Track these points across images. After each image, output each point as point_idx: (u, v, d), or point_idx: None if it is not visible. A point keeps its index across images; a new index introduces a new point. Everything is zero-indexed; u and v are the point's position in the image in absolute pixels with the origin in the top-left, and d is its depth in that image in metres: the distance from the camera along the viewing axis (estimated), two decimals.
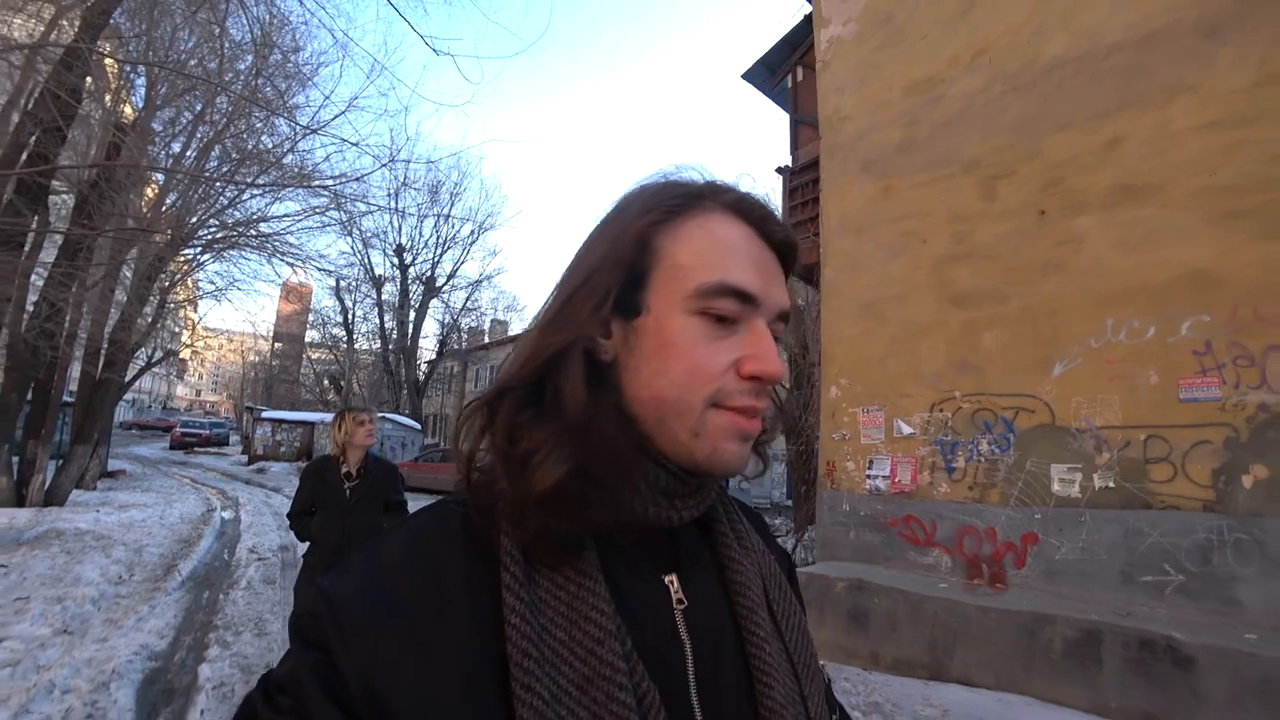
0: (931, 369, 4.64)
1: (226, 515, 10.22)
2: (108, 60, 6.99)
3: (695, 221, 0.48)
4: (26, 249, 7.08)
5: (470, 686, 0.41)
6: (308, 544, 3.07)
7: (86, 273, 7.85)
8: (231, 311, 39.61)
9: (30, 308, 7.79)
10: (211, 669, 3.58)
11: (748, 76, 8.35)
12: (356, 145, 5.61)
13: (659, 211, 0.48)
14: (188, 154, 9.41)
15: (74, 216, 7.69)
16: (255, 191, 9.46)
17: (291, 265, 10.73)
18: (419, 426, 18.99)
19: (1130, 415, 3.69)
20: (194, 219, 9.62)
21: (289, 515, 3.15)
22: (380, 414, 19.52)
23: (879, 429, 4.90)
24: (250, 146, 9.04)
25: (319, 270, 11.44)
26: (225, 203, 9.75)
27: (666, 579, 0.49)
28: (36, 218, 7.07)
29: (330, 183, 8.47)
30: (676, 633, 0.47)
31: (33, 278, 7.47)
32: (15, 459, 8.69)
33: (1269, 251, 3.35)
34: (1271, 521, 3.22)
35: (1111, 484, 3.69)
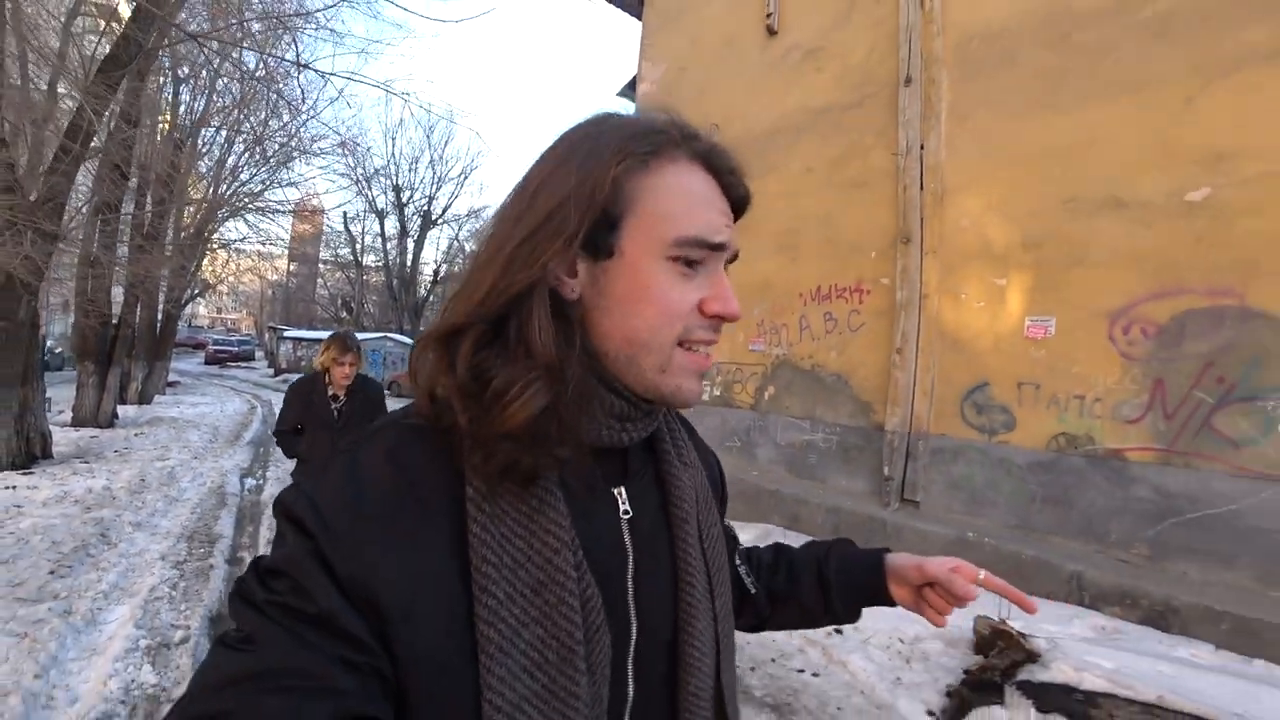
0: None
1: (263, 411, 14.10)
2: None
3: (670, 170, 0.51)
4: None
5: (440, 583, 0.46)
6: (295, 460, 3.12)
7: (160, 242, 11.26)
8: (250, 234, 42.41)
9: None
10: (268, 491, 7.26)
11: None
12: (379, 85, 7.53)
13: (635, 157, 0.50)
14: (218, 137, 12.60)
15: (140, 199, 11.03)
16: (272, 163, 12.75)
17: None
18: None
19: (729, 355, 7.05)
20: (228, 191, 12.89)
21: (276, 433, 3.17)
22: (383, 333, 23.32)
23: None
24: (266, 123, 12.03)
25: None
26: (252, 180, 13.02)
27: (615, 491, 0.55)
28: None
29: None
30: (621, 542, 0.54)
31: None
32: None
33: (785, 267, 6.58)
34: (773, 417, 6.64)
35: (717, 393, 7.13)
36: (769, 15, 6.24)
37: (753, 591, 0.76)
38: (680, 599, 0.56)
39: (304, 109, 11.14)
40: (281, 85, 9.35)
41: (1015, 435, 4.38)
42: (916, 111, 4.91)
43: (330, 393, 3.07)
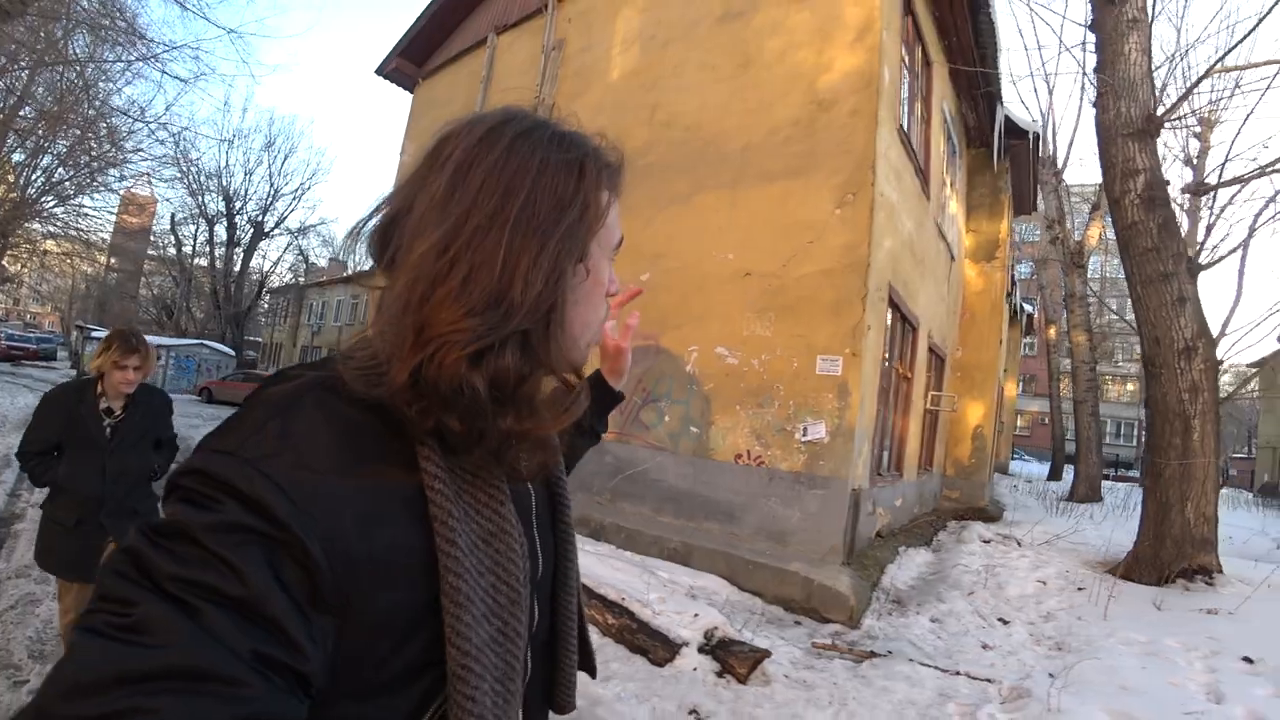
0: None
1: None
2: None
3: (611, 186, 0.59)
4: None
5: (404, 541, 0.48)
6: (47, 491, 2.39)
7: None
8: (59, 230, 39.25)
9: None
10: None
11: None
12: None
13: (613, 188, 0.60)
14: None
15: None
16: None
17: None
18: (233, 353, 23.23)
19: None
20: (35, 193, 13.49)
21: (20, 455, 2.36)
22: (201, 340, 23.51)
23: None
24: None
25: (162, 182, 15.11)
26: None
27: None
28: None
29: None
30: (527, 487, 0.63)
31: None
32: None
33: None
34: None
35: None
36: None
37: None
38: (559, 533, 0.68)
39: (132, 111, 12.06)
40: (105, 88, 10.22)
41: None
42: None
43: (103, 404, 2.36)
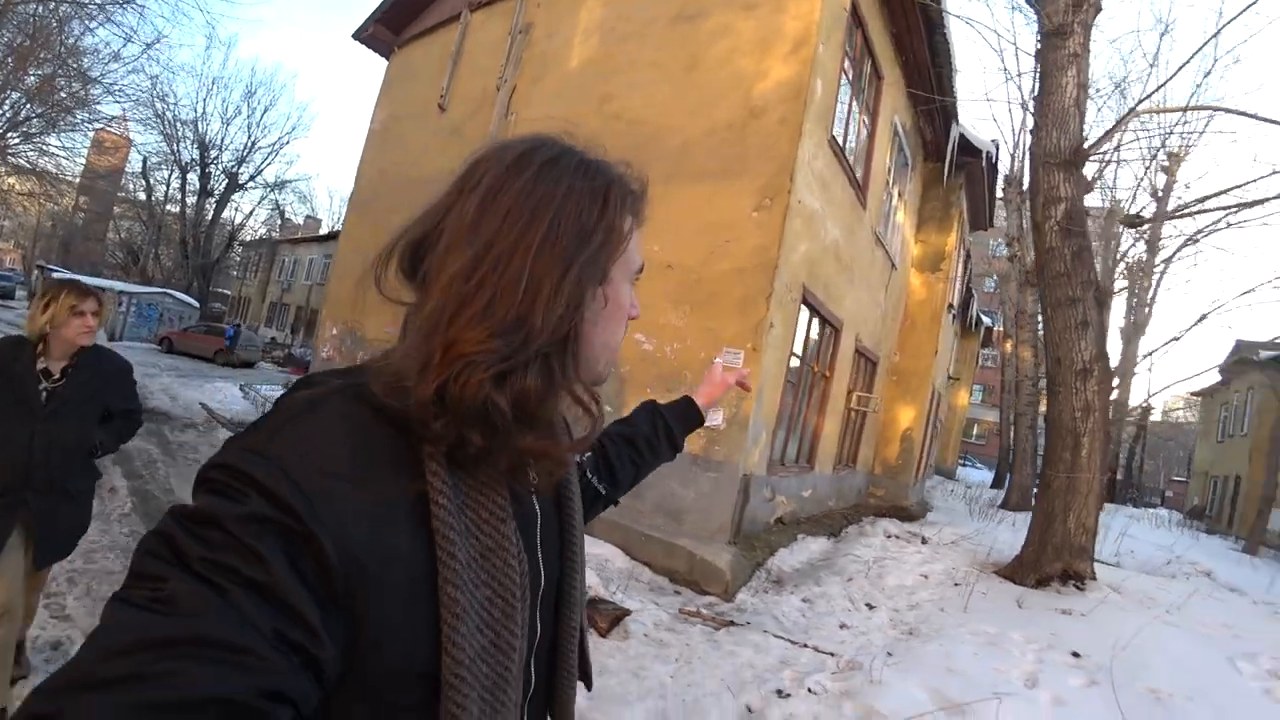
0: None
1: None
2: None
3: (634, 213, 0.62)
4: None
5: (406, 549, 0.49)
6: None
7: None
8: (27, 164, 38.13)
9: None
10: None
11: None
12: None
13: (637, 215, 0.62)
14: None
15: None
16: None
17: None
18: (197, 304, 23.00)
19: None
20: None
21: None
22: (164, 289, 23.20)
23: None
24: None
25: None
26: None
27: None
28: None
29: None
30: (533, 505, 0.63)
31: None
32: None
33: None
34: None
35: None
36: (442, 96, 9.08)
37: (604, 493, 0.94)
38: (566, 549, 0.68)
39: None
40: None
41: None
42: None
43: (42, 365, 2.11)
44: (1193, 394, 29.08)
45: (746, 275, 5.09)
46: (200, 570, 0.41)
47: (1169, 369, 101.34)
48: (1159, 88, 6.14)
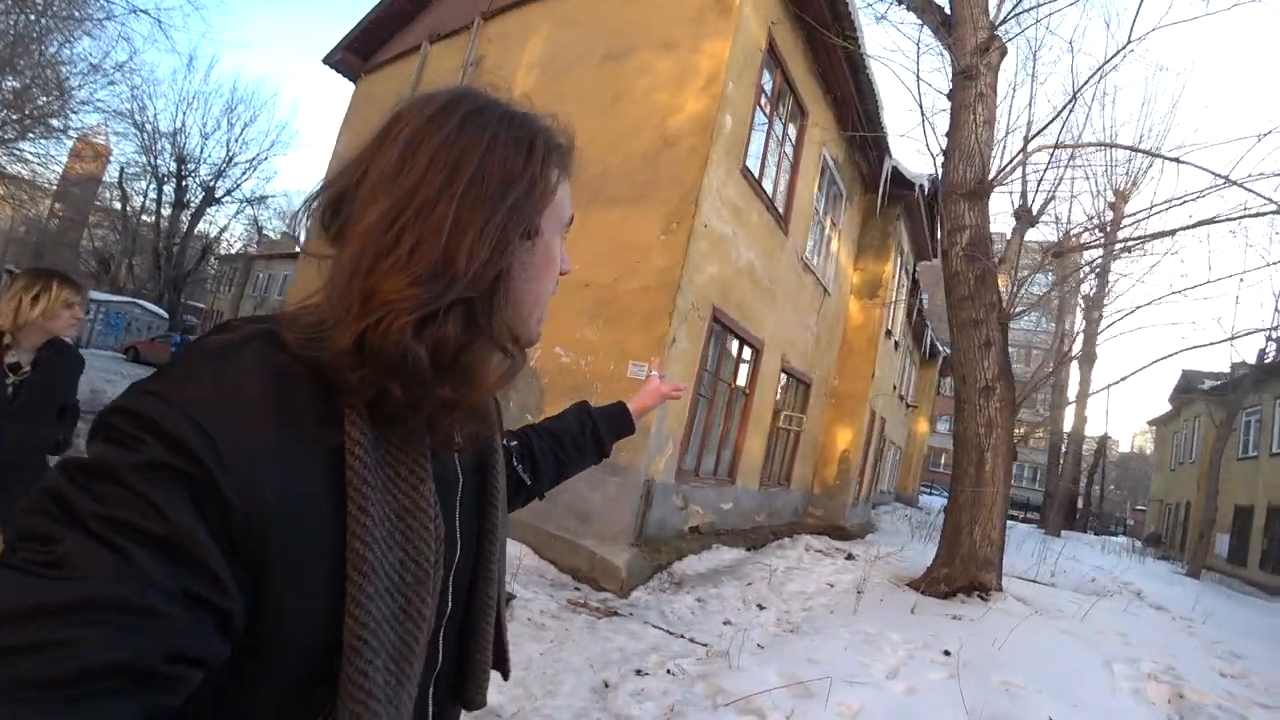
0: None
1: None
2: None
3: (561, 165, 0.61)
4: None
5: (319, 500, 0.47)
6: None
7: None
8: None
9: None
10: None
11: None
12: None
13: (564, 167, 0.61)
14: None
15: None
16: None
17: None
18: (166, 315, 23.09)
19: None
20: None
21: None
22: (132, 299, 23.22)
23: None
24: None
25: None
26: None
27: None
28: None
29: None
30: (456, 472, 0.62)
31: None
32: None
33: None
34: None
35: None
36: None
37: (529, 484, 0.92)
38: (485, 522, 0.65)
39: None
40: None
41: None
42: None
43: (10, 359, 2.05)
44: (1149, 423, 29.91)
45: (652, 293, 5.45)
46: (94, 528, 0.38)
47: (1128, 400, 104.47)
48: (1046, 124, 6.71)
